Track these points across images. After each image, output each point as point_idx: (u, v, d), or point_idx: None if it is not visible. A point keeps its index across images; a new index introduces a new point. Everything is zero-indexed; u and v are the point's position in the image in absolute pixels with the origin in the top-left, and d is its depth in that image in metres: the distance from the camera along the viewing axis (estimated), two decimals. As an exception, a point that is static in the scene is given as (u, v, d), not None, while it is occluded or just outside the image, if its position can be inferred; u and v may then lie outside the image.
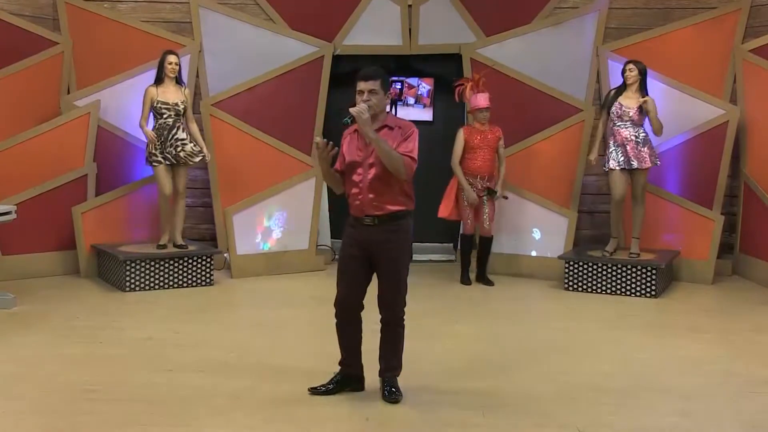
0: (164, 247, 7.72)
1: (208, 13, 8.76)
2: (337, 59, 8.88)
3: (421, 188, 9.26)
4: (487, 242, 7.97)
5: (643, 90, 7.71)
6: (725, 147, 8.25)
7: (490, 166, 7.84)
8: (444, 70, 9.14)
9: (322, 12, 8.90)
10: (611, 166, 7.70)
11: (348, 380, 4.80)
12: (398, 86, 9.39)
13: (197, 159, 7.80)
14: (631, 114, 7.66)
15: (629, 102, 7.70)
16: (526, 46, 8.70)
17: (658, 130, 7.68)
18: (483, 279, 7.96)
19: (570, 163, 8.49)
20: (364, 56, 8.78)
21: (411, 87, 9.44)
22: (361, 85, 4.54)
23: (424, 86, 9.40)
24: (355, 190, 4.59)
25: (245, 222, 8.21)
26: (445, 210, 7.93)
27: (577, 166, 8.47)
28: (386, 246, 4.56)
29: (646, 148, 7.67)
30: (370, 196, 4.54)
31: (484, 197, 7.83)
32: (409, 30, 8.93)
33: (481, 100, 7.83)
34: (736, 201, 8.58)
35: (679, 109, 8.30)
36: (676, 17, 8.71)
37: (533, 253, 8.32)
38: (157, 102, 7.62)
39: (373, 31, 8.92)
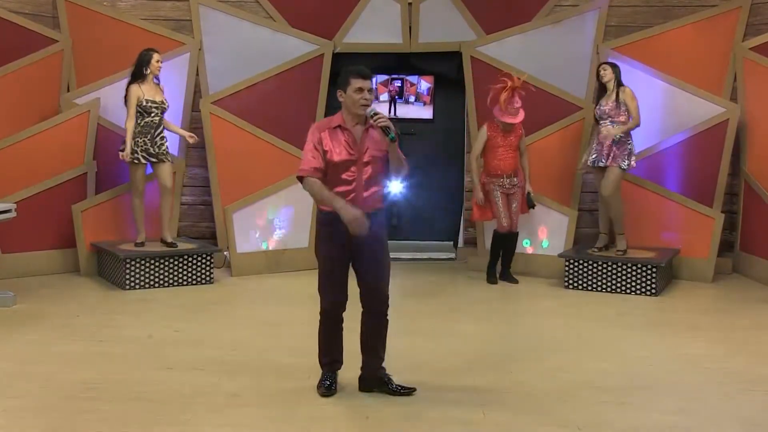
0: (142, 245, 7.75)
1: (208, 11, 8.76)
2: (337, 57, 8.88)
3: (421, 186, 9.39)
4: (513, 238, 7.89)
5: (619, 87, 7.72)
6: (725, 145, 8.25)
7: (513, 163, 7.78)
8: (444, 68, 9.14)
9: (322, 10, 8.90)
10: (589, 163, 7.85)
11: (335, 376, 4.83)
12: (398, 84, 9.40)
13: (169, 159, 7.86)
14: (607, 111, 7.68)
15: (606, 100, 7.75)
16: (526, 44, 8.70)
17: (635, 119, 7.65)
18: (508, 277, 7.93)
19: (570, 161, 8.48)
20: (364, 54, 8.78)
21: (411, 85, 9.44)
22: (364, 83, 4.49)
23: (425, 84, 9.39)
24: (344, 188, 4.50)
25: (245, 220, 8.20)
26: (477, 212, 7.94)
27: (577, 164, 8.47)
28: (375, 240, 4.55)
29: (615, 148, 7.66)
30: (365, 194, 4.52)
31: (529, 207, 7.90)
32: (409, 28, 8.93)
33: (510, 116, 7.63)
34: (736, 199, 8.58)
35: (679, 107, 8.31)
36: (676, 15, 8.71)
37: (533, 251, 8.31)
38: (146, 101, 7.62)
39: (374, 29, 8.91)
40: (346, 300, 4.68)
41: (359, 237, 4.42)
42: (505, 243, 7.91)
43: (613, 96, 7.70)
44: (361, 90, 4.48)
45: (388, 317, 4.73)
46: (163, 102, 7.72)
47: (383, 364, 4.77)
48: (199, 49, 8.72)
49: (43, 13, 8.53)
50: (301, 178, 4.51)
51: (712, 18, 8.59)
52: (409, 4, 8.87)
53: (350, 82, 4.49)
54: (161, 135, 7.73)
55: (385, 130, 4.42)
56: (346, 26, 8.92)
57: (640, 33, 8.67)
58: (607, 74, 7.74)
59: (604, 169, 7.76)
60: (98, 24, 8.55)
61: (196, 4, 8.72)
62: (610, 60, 8.06)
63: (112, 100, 8.35)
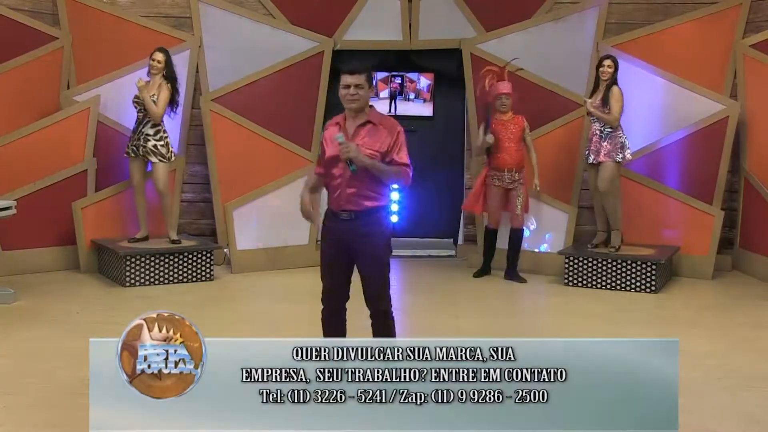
0: (139, 240, 7.75)
1: (208, 8, 8.75)
2: (337, 54, 8.88)
3: (421, 184, 9.37)
4: (516, 234, 7.85)
5: (612, 84, 7.64)
6: (725, 142, 8.25)
7: (516, 158, 7.76)
8: (444, 65, 9.13)
9: (322, 7, 8.89)
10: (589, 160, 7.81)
11: None
12: (398, 81, 9.40)
13: (154, 159, 7.64)
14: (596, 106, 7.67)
15: (596, 97, 7.71)
16: (526, 42, 8.69)
17: (612, 118, 7.57)
18: (514, 276, 7.85)
19: (570, 159, 8.48)
20: (364, 51, 8.77)
21: (411, 82, 9.44)
22: (348, 79, 4.45)
23: (424, 81, 9.39)
24: (334, 183, 4.53)
25: (245, 217, 8.20)
26: (469, 203, 7.94)
27: (577, 161, 8.46)
28: (365, 241, 4.51)
29: (605, 143, 7.62)
30: (349, 191, 4.48)
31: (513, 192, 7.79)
32: (410, 25, 8.93)
33: (502, 86, 7.80)
34: (736, 196, 8.58)
35: (679, 105, 8.31)
36: (676, 12, 8.70)
37: (533, 249, 8.31)
38: (134, 96, 7.67)
39: (374, 26, 8.91)
40: (341, 296, 4.65)
41: (354, 237, 4.48)
42: (494, 240, 7.93)
43: (601, 95, 7.64)
44: (347, 86, 4.45)
45: (391, 319, 4.68)
46: (139, 98, 7.62)
47: None
48: (199, 46, 8.72)
49: (43, 10, 8.53)
50: None
51: (713, 15, 8.59)
52: (409, 1, 8.87)
53: (340, 79, 4.51)
54: (143, 131, 7.64)
55: (348, 162, 4.40)
56: (346, 23, 8.91)
57: (641, 30, 8.66)
58: (608, 72, 7.63)
59: (596, 165, 7.73)
60: (98, 21, 8.54)
61: (196, 1, 8.71)
62: (610, 55, 7.88)
63: (112, 97, 8.35)
